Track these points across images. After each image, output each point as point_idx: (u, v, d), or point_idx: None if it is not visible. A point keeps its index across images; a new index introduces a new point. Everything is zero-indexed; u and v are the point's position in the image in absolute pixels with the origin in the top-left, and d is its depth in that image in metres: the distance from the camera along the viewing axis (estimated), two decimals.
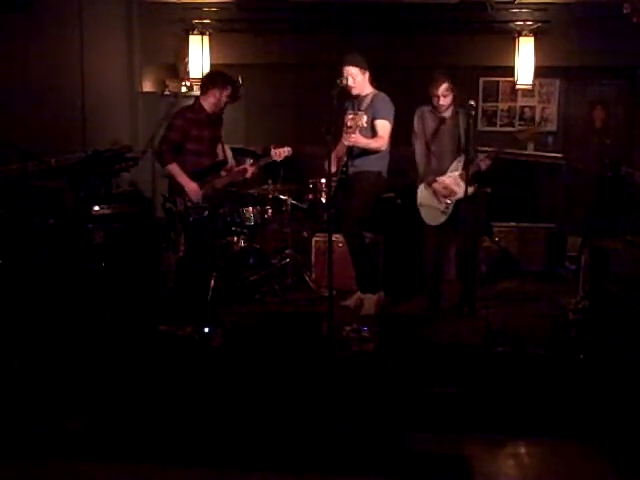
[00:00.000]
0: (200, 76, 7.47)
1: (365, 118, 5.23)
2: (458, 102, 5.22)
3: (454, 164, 5.25)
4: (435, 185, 5.26)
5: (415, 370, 4.31)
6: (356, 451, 3.52)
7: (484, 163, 5.13)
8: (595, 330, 4.95)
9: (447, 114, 5.25)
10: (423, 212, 5.40)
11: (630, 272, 5.12)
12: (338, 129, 5.27)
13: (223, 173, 5.49)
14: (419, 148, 5.34)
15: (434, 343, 4.61)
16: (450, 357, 4.40)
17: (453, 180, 5.22)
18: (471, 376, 4.20)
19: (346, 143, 5.29)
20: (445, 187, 5.23)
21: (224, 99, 5.31)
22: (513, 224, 6.72)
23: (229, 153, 5.96)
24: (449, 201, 5.23)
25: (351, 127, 5.27)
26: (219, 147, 5.56)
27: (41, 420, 3.75)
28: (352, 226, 5.46)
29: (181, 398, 4.02)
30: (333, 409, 3.88)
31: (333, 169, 5.30)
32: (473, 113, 4.94)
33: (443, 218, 5.29)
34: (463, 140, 5.08)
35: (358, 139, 5.20)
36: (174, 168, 5.20)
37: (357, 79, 5.29)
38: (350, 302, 5.59)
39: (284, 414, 3.86)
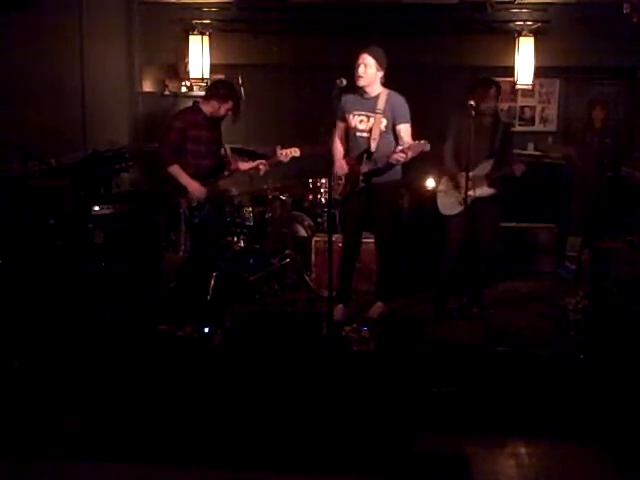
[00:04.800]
0: (200, 76, 7.50)
1: (385, 122, 5.05)
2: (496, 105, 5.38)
3: (484, 164, 5.28)
4: (459, 176, 5.25)
5: (415, 370, 4.32)
6: (356, 451, 3.52)
7: (519, 169, 5.17)
8: (595, 330, 4.95)
9: (488, 119, 5.32)
10: (440, 199, 5.42)
11: (630, 272, 5.12)
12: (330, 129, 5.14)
13: (226, 174, 5.48)
14: (450, 147, 5.32)
15: (434, 343, 4.62)
16: (450, 357, 4.41)
17: (478, 177, 5.26)
18: (471, 376, 4.21)
19: (394, 162, 4.93)
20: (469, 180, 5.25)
21: (222, 112, 5.33)
22: (513, 224, 6.72)
23: (230, 153, 5.93)
24: (469, 193, 5.18)
25: (367, 131, 5.07)
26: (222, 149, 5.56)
27: (40, 420, 3.76)
28: (389, 238, 5.35)
29: (181, 398, 4.02)
30: (333, 409, 3.88)
31: (341, 170, 5.21)
32: (473, 113, 4.96)
33: (458, 209, 5.26)
34: (497, 145, 5.26)
35: (406, 157, 4.87)
36: (176, 169, 5.19)
37: (369, 70, 4.99)
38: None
39: (284, 414, 3.86)
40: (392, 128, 5.09)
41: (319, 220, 6.58)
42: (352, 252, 5.42)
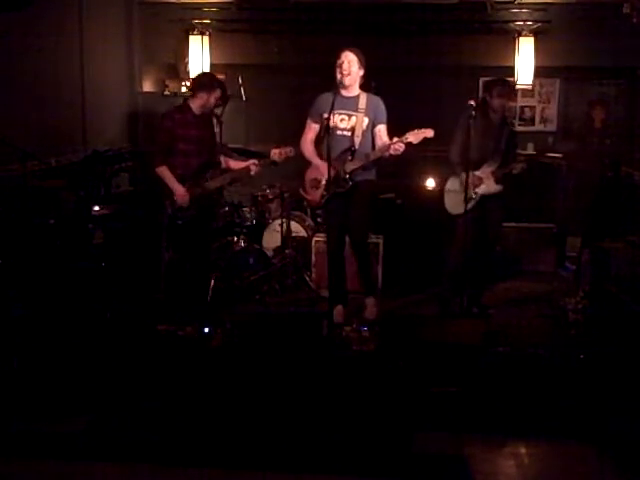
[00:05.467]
0: None
1: (367, 121, 5.09)
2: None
3: (490, 162, 5.41)
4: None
5: (415, 370, 4.32)
6: (356, 451, 3.52)
7: (517, 167, 5.38)
8: (595, 330, 4.95)
9: (497, 119, 5.46)
10: (448, 198, 5.50)
11: (630, 272, 5.13)
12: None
13: (217, 173, 5.42)
14: (459, 142, 5.31)
15: (434, 343, 4.61)
16: (450, 357, 4.40)
17: (484, 174, 5.39)
18: (471, 376, 4.21)
19: (393, 153, 4.92)
20: (476, 177, 5.34)
21: (212, 101, 5.29)
22: (513, 224, 6.72)
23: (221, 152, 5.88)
24: (476, 191, 5.34)
25: (349, 129, 5.07)
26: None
27: (41, 420, 3.76)
28: (365, 235, 5.38)
29: (181, 398, 4.03)
30: (333, 409, 3.88)
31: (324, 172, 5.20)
32: (473, 113, 4.95)
33: (469, 205, 5.25)
34: (503, 145, 5.41)
35: (404, 148, 4.90)
36: (164, 171, 5.15)
37: (352, 68, 5.03)
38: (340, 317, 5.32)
39: (284, 414, 3.86)
40: (371, 128, 5.14)
41: (319, 220, 6.58)
42: (339, 252, 5.35)
